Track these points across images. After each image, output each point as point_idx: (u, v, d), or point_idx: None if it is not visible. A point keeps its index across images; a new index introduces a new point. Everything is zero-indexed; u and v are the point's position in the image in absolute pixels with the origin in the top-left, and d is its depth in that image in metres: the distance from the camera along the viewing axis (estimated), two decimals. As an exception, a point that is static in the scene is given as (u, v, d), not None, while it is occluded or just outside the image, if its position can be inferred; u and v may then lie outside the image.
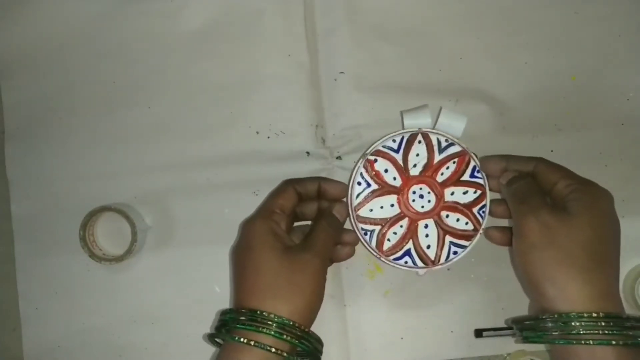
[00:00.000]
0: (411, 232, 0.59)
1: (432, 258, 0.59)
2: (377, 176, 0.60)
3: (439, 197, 0.59)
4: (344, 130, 0.65)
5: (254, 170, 0.65)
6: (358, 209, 0.59)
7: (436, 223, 0.60)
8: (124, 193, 0.65)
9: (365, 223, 0.59)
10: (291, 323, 0.50)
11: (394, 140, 0.60)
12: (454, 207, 0.59)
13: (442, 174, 0.60)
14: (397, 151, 0.60)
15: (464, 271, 0.61)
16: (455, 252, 0.59)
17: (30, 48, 0.66)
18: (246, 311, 0.51)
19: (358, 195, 0.59)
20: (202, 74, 0.66)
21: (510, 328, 0.63)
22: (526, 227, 0.51)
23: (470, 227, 0.59)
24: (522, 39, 0.66)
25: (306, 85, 0.66)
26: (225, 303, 0.64)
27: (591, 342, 0.46)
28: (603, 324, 0.46)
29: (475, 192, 0.59)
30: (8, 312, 0.65)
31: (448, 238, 0.59)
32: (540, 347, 0.63)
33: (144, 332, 0.65)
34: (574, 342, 0.47)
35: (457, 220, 0.59)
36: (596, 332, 0.46)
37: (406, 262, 0.59)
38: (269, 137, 0.66)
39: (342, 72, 0.65)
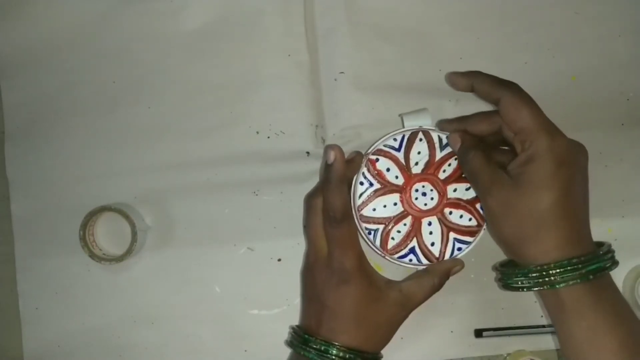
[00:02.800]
0: (415, 230, 0.59)
1: (437, 255, 0.59)
2: (379, 175, 0.60)
3: (442, 194, 0.60)
4: (344, 130, 0.65)
5: (254, 170, 0.65)
6: (361, 209, 0.59)
7: (440, 220, 0.60)
8: (124, 193, 0.65)
9: (369, 222, 0.59)
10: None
11: (395, 139, 0.60)
12: (457, 203, 0.59)
13: (444, 171, 0.60)
14: (398, 150, 0.60)
15: (464, 271, 0.61)
16: (459, 249, 0.59)
17: (31, 48, 0.66)
18: (320, 342, 0.55)
19: (361, 194, 0.59)
20: (202, 74, 0.66)
21: (510, 328, 0.63)
22: (485, 204, 0.55)
23: (473, 223, 0.59)
24: (522, 39, 0.66)
25: (306, 85, 0.66)
26: (225, 303, 0.64)
27: (563, 284, 0.50)
28: (558, 270, 0.50)
29: None
30: (8, 312, 0.65)
31: (452, 235, 0.59)
32: (540, 346, 0.63)
33: (144, 332, 0.64)
34: (549, 286, 0.51)
35: (461, 216, 0.59)
36: (568, 274, 0.50)
37: (411, 260, 0.59)
38: (269, 137, 0.66)
39: (342, 72, 0.65)
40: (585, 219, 0.54)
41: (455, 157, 0.59)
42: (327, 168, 0.54)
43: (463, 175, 0.59)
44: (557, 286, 0.51)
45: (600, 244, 0.54)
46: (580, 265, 0.50)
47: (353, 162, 0.59)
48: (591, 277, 0.50)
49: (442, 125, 0.61)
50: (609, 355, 0.50)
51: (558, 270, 0.50)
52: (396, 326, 0.58)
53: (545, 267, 0.51)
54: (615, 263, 0.53)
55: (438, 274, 0.58)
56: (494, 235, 0.56)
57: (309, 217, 0.57)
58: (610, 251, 0.53)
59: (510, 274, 0.54)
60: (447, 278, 0.59)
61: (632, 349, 0.50)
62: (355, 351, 0.54)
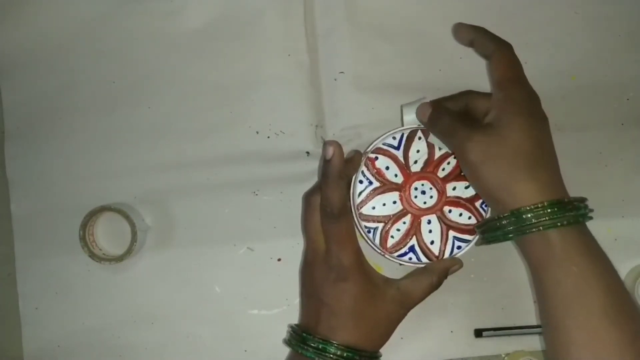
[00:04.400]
0: (414, 229, 0.59)
1: (436, 254, 0.59)
2: (378, 174, 0.60)
3: (441, 192, 0.60)
4: (343, 130, 0.65)
5: (254, 170, 0.65)
6: (360, 207, 0.59)
7: (439, 218, 0.60)
8: (124, 193, 0.65)
9: (368, 221, 0.59)
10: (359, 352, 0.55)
11: (394, 138, 0.60)
12: (457, 201, 0.59)
13: (443, 169, 0.60)
14: (397, 148, 0.60)
15: (464, 271, 0.61)
16: (459, 247, 0.59)
17: (31, 48, 0.66)
18: (318, 340, 0.55)
19: (360, 193, 0.59)
20: (203, 74, 0.66)
21: (510, 328, 0.63)
22: (465, 151, 0.54)
23: (473, 221, 0.59)
24: (522, 39, 0.66)
25: (306, 85, 0.66)
26: (225, 303, 0.64)
27: (541, 227, 0.50)
28: (548, 210, 0.50)
29: None
30: (8, 312, 0.65)
31: (451, 233, 0.59)
32: (540, 347, 0.63)
33: (144, 332, 0.64)
34: (527, 232, 0.51)
35: (460, 214, 0.59)
36: (544, 219, 0.50)
37: (410, 259, 0.59)
38: (269, 137, 0.66)
39: (342, 72, 0.65)
40: (558, 167, 0.54)
41: (454, 155, 0.59)
42: (325, 163, 0.54)
43: (462, 174, 0.59)
44: (551, 229, 0.50)
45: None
46: (570, 207, 0.50)
47: (352, 161, 0.59)
48: (581, 219, 0.51)
49: (457, 27, 0.62)
50: (596, 303, 0.49)
51: (550, 210, 0.50)
52: (394, 324, 0.58)
53: (539, 206, 0.50)
54: (591, 211, 0.53)
55: (436, 272, 0.58)
56: (479, 188, 0.55)
57: (307, 214, 0.57)
58: (584, 199, 0.53)
59: (498, 220, 0.53)
60: (446, 277, 0.59)
61: (617, 295, 0.49)
62: (354, 349, 0.54)
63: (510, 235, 0.52)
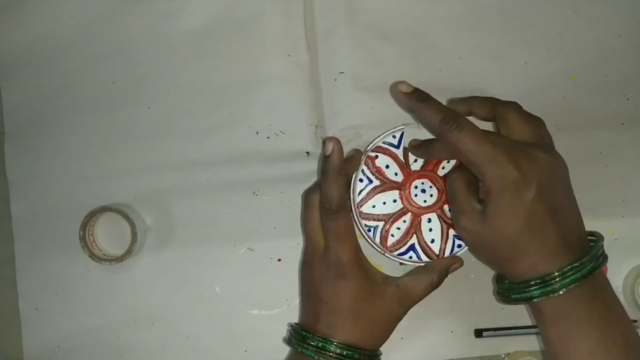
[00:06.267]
0: (415, 227, 0.59)
1: (437, 252, 0.59)
2: (378, 172, 0.60)
3: (441, 190, 0.59)
4: (343, 130, 0.65)
5: (254, 170, 0.65)
6: (360, 206, 0.59)
7: (439, 217, 0.60)
8: (124, 193, 0.65)
9: (368, 219, 0.59)
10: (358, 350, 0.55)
11: (394, 136, 0.60)
12: None
13: (443, 167, 0.60)
14: (397, 147, 0.60)
15: (464, 271, 0.61)
16: (459, 246, 0.59)
17: (31, 48, 0.66)
18: (318, 338, 0.55)
19: (360, 192, 0.59)
20: (202, 74, 0.66)
21: (510, 328, 0.63)
22: (459, 231, 0.55)
23: None
24: (522, 39, 0.66)
25: (306, 85, 0.66)
26: (225, 303, 0.64)
27: (562, 291, 0.50)
28: (569, 272, 0.50)
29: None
30: (8, 312, 0.65)
31: (452, 231, 0.59)
32: (540, 347, 0.63)
33: (144, 332, 0.64)
34: (551, 295, 0.50)
35: None
36: (565, 280, 0.50)
37: (411, 257, 0.59)
38: (269, 137, 0.66)
39: (342, 72, 0.65)
40: (568, 225, 0.52)
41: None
42: (324, 160, 0.55)
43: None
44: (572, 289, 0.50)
45: (591, 235, 0.55)
46: (587, 259, 0.51)
47: (352, 160, 0.59)
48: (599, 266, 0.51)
49: (451, 104, 0.61)
50: None
51: (567, 276, 0.50)
52: (394, 323, 0.58)
53: (528, 281, 0.51)
54: (605, 258, 0.53)
55: (437, 270, 0.58)
56: (476, 257, 0.58)
57: (307, 212, 0.57)
58: (598, 248, 0.53)
59: (508, 288, 0.54)
60: (446, 275, 0.59)
61: (602, 355, 0.50)
62: (354, 347, 0.54)
63: (536, 298, 0.51)
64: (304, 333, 0.56)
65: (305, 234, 0.58)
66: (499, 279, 0.57)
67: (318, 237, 0.56)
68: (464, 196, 0.54)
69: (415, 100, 0.56)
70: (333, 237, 0.55)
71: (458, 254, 0.59)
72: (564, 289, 0.50)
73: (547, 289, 0.50)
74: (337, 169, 0.54)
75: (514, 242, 0.51)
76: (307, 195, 0.58)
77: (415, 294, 0.58)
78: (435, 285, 0.58)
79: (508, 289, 0.54)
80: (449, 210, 0.59)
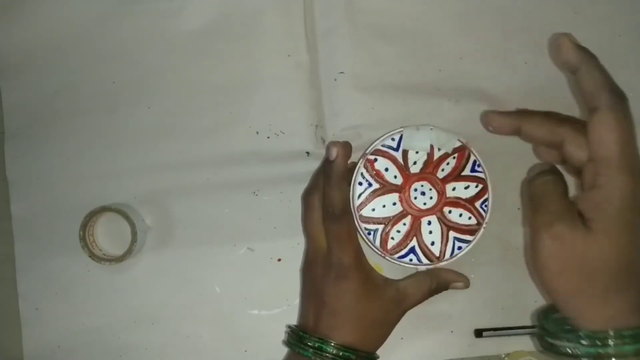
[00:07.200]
0: (415, 230, 0.59)
1: (437, 254, 0.59)
2: (377, 175, 0.60)
3: (441, 193, 0.59)
4: (343, 130, 0.65)
5: (254, 170, 0.65)
6: (360, 209, 0.59)
7: (439, 219, 0.60)
8: (124, 193, 0.65)
9: (368, 223, 0.59)
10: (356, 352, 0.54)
11: (392, 139, 0.60)
12: (456, 202, 0.59)
13: (442, 169, 0.60)
14: (396, 149, 0.60)
15: (464, 271, 0.61)
16: (459, 248, 0.59)
17: (31, 48, 0.66)
18: (316, 339, 0.54)
19: (359, 195, 0.59)
20: (202, 74, 0.66)
21: (510, 328, 0.63)
22: (538, 242, 0.46)
23: (473, 221, 0.59)
24: (522, 39, 0.66)
25: (306, 85, 0.66)
26: (225, 303, 0.64)
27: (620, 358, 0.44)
28: (629, 339, 0.43)
29: (476, 187, 0.59)
30: (8, 312, 0.65)
31: (452, 234, 0.59)
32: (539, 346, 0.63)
33: (144, 332, 0.65)
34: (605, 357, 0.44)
35: (460, 215, 0.59)
36: (627, 348, 0.43)
37: (411, 260, 0.59)
38: (269, 137, 0.66)
39: (342, 72, 0.65)
40: None
41: (454, 155, 0.59)
42: (328, 164, 0.55)
43: (462, 174, 0.59)
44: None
45: None
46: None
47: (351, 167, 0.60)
48: None
49: (490, 117, 0.55)
50: None
51: (617, 342, 0.43)
52: (392, 326, 0.58)
53: (602, 334, 0.44)
54: None
55: (438, 278, 0.59)
56: (541, 282, 0.48)
57: (307, 214, 0.57)
58: None
59: (556, 334, 0.47)
60: (446, 288, 0.59)
61: None
62: (351, 349, 0.54)
63: (573, 358, 0.46)
64: (301, 334, 0.56)
65: (307, 236, 0.58)
66: (544, 315, 0.51)
67: (320, 239, 0.56)
68: (564, 202, 0.46)
69: (588, 55, 0.49)
70: (336, 240, 0.55)
71: (458, 256, 0.59)
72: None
73: (628, 348, 0.43)
74: (341, 174, 0.54)
75: (622, 272, 0.44)
76: (306, 197, 0.58)
77: (414, 297, 0.58)
78: (433, 292, 0.58)
79: (580, 338, 0.45)
80: (449, 212, 0.59)
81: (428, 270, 0.60)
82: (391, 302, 0.57)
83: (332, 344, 0.54)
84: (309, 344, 0.55)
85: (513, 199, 0.65)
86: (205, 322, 0.64)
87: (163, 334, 0.65)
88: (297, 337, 0.56)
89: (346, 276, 0.55)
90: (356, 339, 0.55)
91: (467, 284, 0.60)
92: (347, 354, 0.54)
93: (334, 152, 0.54)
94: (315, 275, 0.57)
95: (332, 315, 0.55)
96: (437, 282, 0.59)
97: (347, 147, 0.55)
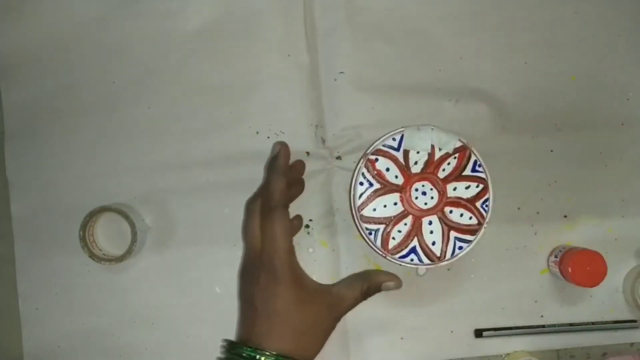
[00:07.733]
0: (416, 230, 0.59)
1: (438, 254, 0.59)
2: (378, 175, 0.60)
3: (442, 193, 0.59)
4: (343, 130, 0.65)
5: (254, 170, 0.65)
6: (361, 209, 0.59)
7: (440, 219, 0.60)
8: (124, 193, 0.65)
9: (369, 222, 0.59)
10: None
11: (393, 139, 0.60)
12: (457, 202, 0.59)
13: (443, 169, 0.60)
14: (397, 149, 0.60)
15: (464, 271, 0.62)
16: (460, 247, 0.59)
17: (31, 48, 0.66)
18: (248, 349, 0.52)
19: (361, 195, 0.59)
20: (202, 74, 0.66)
21: (510, 328, 0.63)
22: None
23: (474, 221, 0.59)
24: (522, 39, 0.66)
25: (306, 85, 0.66)
26: (225, 303, 0.64)
27: None
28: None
29: (477, 187, 0.59)
30: (8, 312, 0.65)
31: (453, 233, 0.59)
32: (540, 347, 0.63)
33: (144, 332, 0.65)
34: None
35: (461, 215, 0.59)
36: None
37: (412, 260, 0.59)
38: (269, 137, 0.66)
39: (342, 72, 0.65)
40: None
41: (454, 155, 0.59)
42: (271, 160, 0.59)
43: (463, 174, 0.59)
44: None
45: None
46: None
47: (296, 166, 0.63)
48: None
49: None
50: None
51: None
52: (325, 333, 0.56)
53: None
54: None
55: (369, 280, 0.58)
56: None
57: (248, 219, 0.57)
58: None
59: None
60: (379, 289, 0.58)
61: None
62: (284, 357, 0.52)
63: None
64: (235, 345, 0.53)
65: (244, 240, 0.57)
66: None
67: (256, 243, 0.55)
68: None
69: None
70: (268, 239, 0.54)
71: (459, 255, 0.59)
72: None
73: None
74: (282, 169, 0.57)
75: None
76: (248, 204, 0.58)
77: (347, 301, 0.56)
78: (365, 294, 0.57)
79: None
80: (450, 212, 0.59)
81: (359, 273, 0.59)
82: (325, 307, 0.55)
83: (266, 353, 0.51)
84: (243, 354, 0.52)
85: (514, 199, 0.65)
86: (205, 322, 0.64)
87: (163, 334, 0.65)
88: (230, 348, 0.53)
89: (276, 279, 0.53)
90: (290, 346, 0.52)
91: (399, 284, 0.59)
92: None
93: (277, 149, 0.59)
94: (249, 279, 0.55)
95: (264, 322, 0.53)
96: (369, 284, 0.57)
97: (287, 147, 0.59)
